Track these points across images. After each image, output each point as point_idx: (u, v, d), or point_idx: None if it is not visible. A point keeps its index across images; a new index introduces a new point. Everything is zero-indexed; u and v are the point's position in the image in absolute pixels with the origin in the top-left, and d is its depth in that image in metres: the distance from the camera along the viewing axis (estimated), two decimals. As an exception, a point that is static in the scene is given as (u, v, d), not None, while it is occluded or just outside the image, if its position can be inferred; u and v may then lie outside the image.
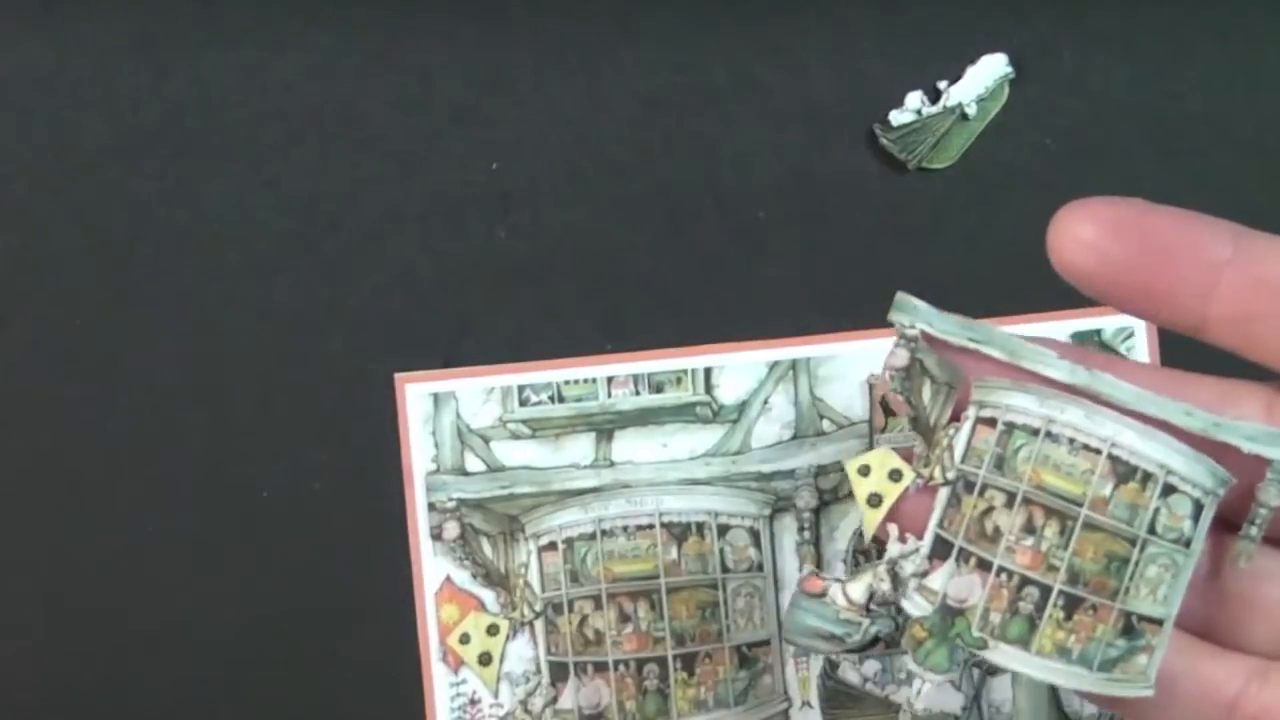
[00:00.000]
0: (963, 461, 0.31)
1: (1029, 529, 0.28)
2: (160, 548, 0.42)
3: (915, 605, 0.31)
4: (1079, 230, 0.30)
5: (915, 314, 0.31)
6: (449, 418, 0.42)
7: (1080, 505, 0.29)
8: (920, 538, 0.31)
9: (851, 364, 0.43)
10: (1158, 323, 0.30)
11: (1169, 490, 0.29)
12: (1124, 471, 0.29)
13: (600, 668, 0.40)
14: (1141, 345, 0.43)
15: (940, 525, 0.31)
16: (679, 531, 0.41)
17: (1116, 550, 0.30)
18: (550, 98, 0.43)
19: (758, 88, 0.43)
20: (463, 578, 0.42)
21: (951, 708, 0.43)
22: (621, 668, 0.40)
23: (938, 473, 0.32)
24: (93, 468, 0.42)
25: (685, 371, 0.43)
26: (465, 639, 0.42)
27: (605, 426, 0.42)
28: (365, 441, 0.42)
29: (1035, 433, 0.30)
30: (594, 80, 0.43)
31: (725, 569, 0.41)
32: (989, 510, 0.31)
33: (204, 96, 0.43)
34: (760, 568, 0.42)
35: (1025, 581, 0.30)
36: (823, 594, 0.32)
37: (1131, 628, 0.30)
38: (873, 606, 0.32)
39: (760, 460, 0.42)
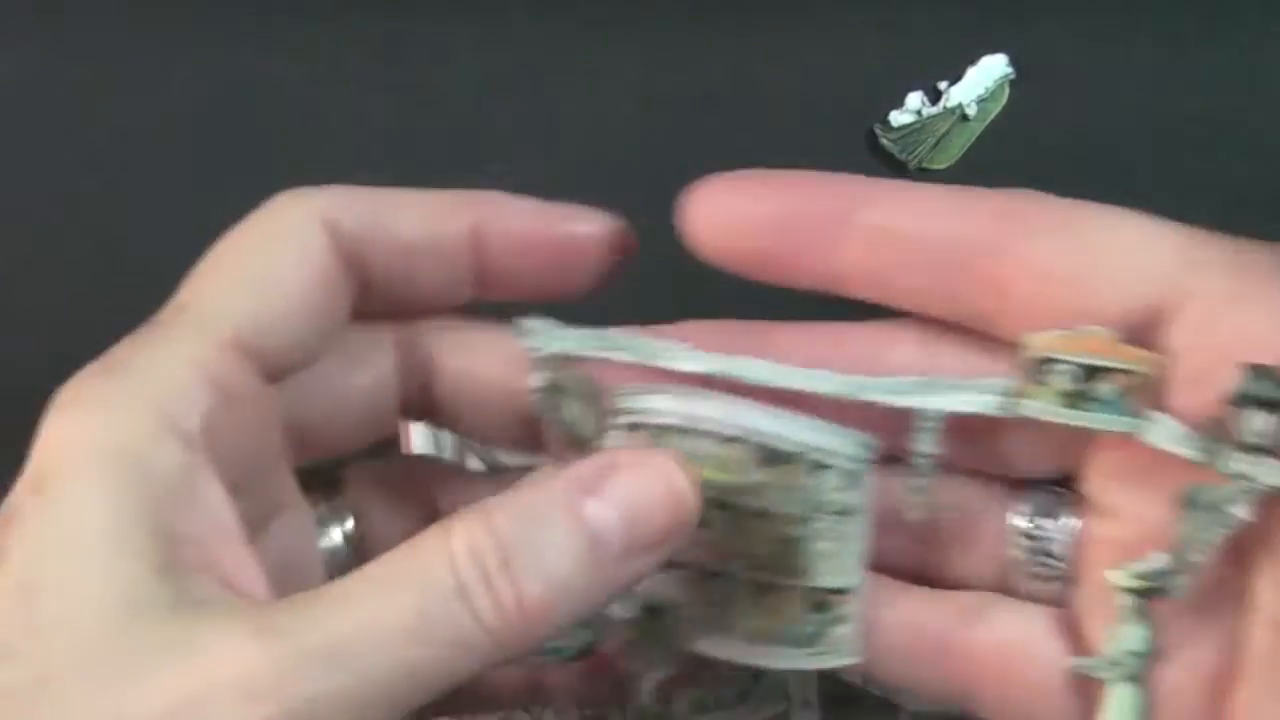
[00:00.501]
0: None
1: (702, 524, 0.28)
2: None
3: (622, 608, 0.31)
4: (712, 210, 0.32)
5: (540, 336, 0.32)
6: (449, 418, 0.42)
7: (740, 494, 0.30)
8: None
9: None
10: (798, 285, 0.31)
11: (817, 467, 0.30)
12: (770, 456, 0.30)
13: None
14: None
15: None
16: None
17: (785, 532, 0.30)
18: (550, 98, 0.43)
19: (758, 88, 0.43)
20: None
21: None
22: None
23: None
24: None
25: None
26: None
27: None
28: (365, 441, 0.42)
29: (682, 431, 0.30)
30: (594, 80, 0.43)
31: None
32: None
33: (204, 97, 0.43)
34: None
35: (711, 574, 0.31)
36: None
37: (821, 602, 0.31)
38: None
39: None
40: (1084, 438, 0.30)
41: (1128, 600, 0.30)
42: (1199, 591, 0.29)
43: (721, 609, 0.31)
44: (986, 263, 0.29)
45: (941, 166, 0.43)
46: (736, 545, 0.30)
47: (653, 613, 0.31)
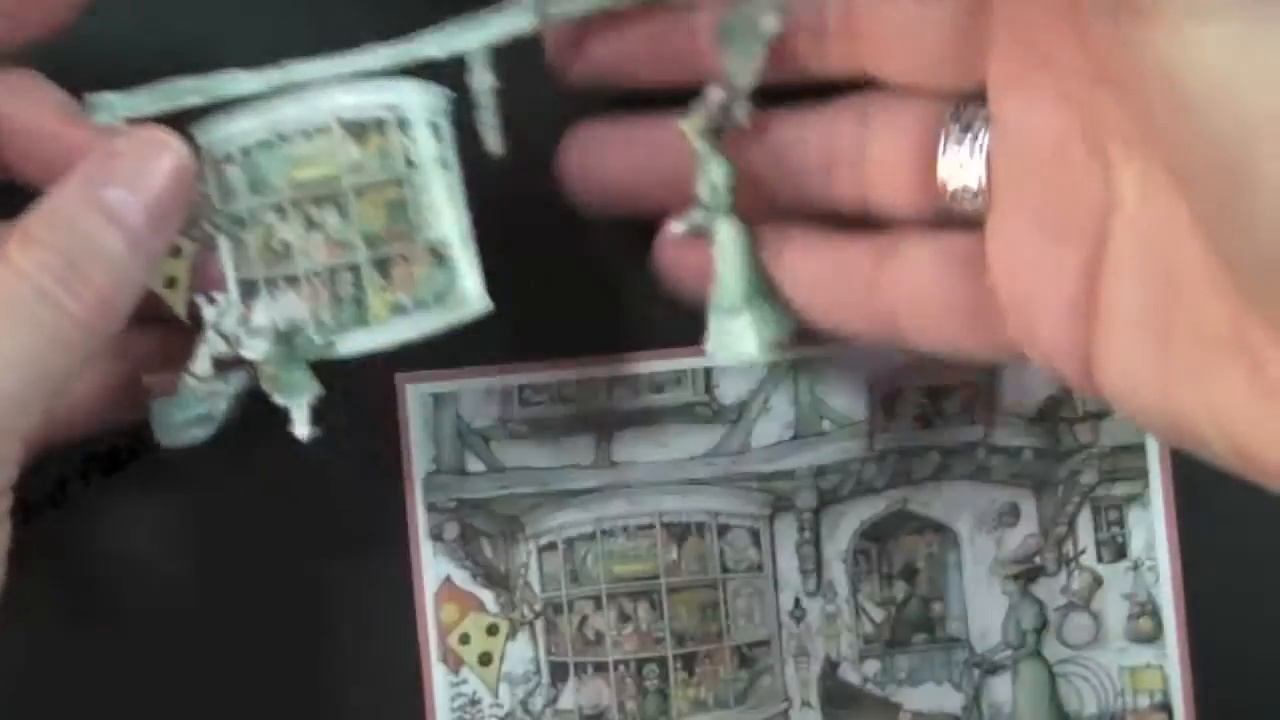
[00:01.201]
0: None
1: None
2: (159, 547, 0.42)
3: (254, 349, 0.33)
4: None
5: (110, 106, 0.34)
6: (449, 418, 0.42)
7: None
8: (224, 289, 0.34)
9: (851, 364, 0.43)
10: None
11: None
12: (356, 129, 0.32)
13: (600, 668, 0.41)
14: (1141, 345, 0.43)
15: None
16: (679, 531, 0.41)
17: (390, 197, 0.32)
18: (550, 96, 0.42)
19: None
20: (462, 578, 0.42)
21: (951, 708, 0.43)
22: (621, 668, 0.40)
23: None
24: (88, 468, 0.42)
25: (685, 371, 0.43)
26: (465, 639, 0.42)
27: (605, 426, 0.42)
28: (365, 441, 0.42)
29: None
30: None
31: (725, 569, 0.41)
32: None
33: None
34: (760, 568, 0.42)
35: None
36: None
37: (440, 256, 0.32)
38: (221, 372, 0.34)
39: (760, 460, 0.42)
40: (977, 48, 0.32)
41: (702, 143, 0.34)
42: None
43: (353, 304, 0.32)
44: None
45: (941, 166, 0.43)
46: (350, 233, 0.32)
47: (286, 337, 0.33)
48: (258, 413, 0.43)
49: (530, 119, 0.36)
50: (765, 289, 0.36)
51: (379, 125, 0.32)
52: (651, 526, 0.42)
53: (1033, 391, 0.43)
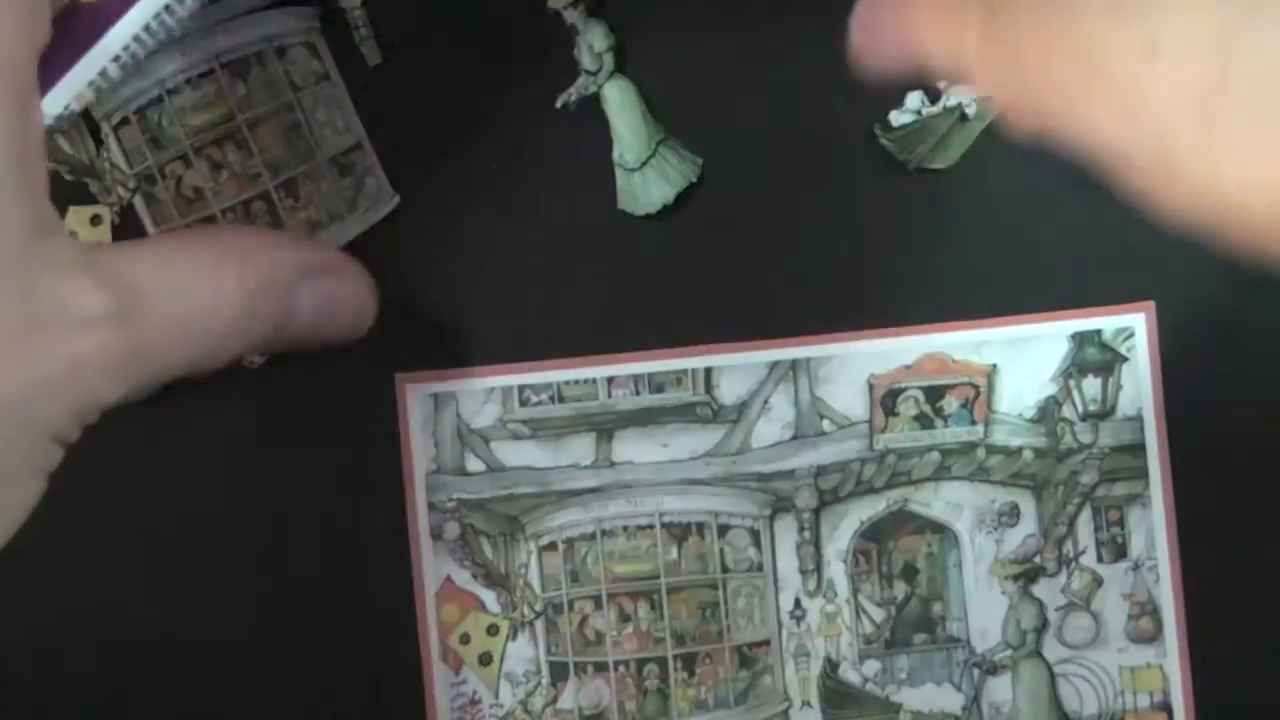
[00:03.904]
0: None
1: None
2: (158, 548, 0.42)
3: None
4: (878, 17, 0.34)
5: None
6: (449, 418, 0.42)
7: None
8: None
9: (851, 364, 0.43)
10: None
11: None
12: (241, 68, 0.34)
13: (600, 668, 0.41)
14: (1141, 345, 0.43)
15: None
16: (679, 532, 0.41)
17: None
18: (550, 97, 0.42)
19: (758, 87, 0.43)
20: (463, 578, 0.42)
21: (951, 708, 0.43)
22: (621, 668, 0.40)
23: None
24: (89, 468, 0.42)
25: (685, 371, 0.43)
26: (465, 639, 0.42)
27: (605, 426, 0.42)
28: (365, 441, 0.42)
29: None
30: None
31: (725, 569, 0.41)
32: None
33: (204, 96, 0.43)
34: (760, 568, 0.42)
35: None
36: None
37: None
38: None
39: (760, 460, 0.42)
40: None
41: (576, 12, 0.38)
42: None
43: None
44: None
45: (941, 166, 0.43)
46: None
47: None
48: (258, 414, 0.43)
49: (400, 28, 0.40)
50: (665, 137, 0.40)
51: (260, 58, 0.34)
52: (651, 526, 0.42)
53: (1033, 391, 0.43)
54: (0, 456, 0.29)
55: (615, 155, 0.40)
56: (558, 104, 0.40)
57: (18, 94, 0.29)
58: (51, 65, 0.31)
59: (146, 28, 0.31)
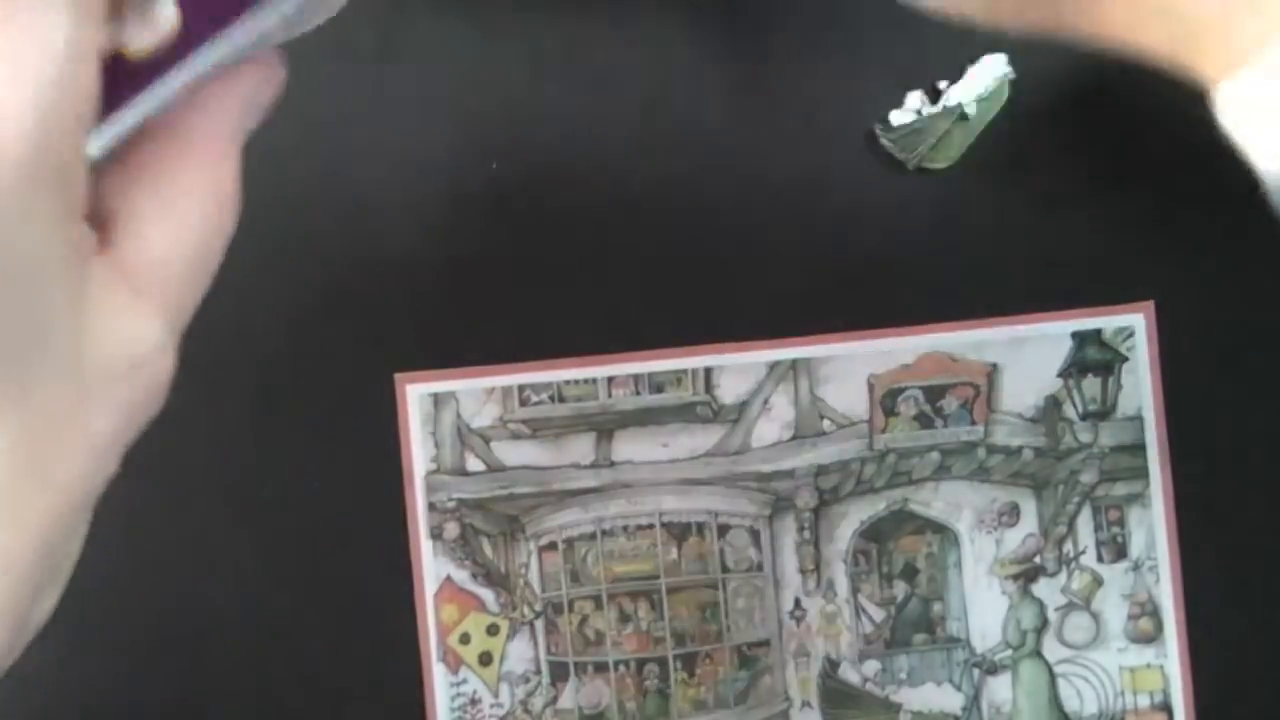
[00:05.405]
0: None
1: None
2: (160, 547, 0.42)
3: None
4: None
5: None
6: (449, 418, 0.42)
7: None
8: None
9: (851, 364, 0.43)
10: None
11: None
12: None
13: (600, 668, 0.41)
14: (1141, 345, 0.43)
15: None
16: (679, 531, 0.41)
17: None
18: (550, 98, 0.43)
19: (758, 87, 0.43)
20: (463, 578, 0.42)
21: (951, 708, 0.43)
22: (621, 668, 0.40)
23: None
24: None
25: (685, 371, 0.43)
26: (465, 639, 0.42)
27: (605, 426, 0.42)
28: (365, 441, 0.42)
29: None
30: (594, 80, 0.43)
31: (725, 569, 0.41)
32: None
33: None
34: (760, 568, 0.42)
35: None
36: None
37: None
38: None
39: (760, 460, 0.42)
40: None
41: None
42: None
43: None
44: None
45: (941, 166, 0.43)
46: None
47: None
48: (258, 414, 0.43)
49: None
50: None
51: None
52: (651, 526, 0.42)
53: (1033, 391, 0.43)
54: (63, 535, 0.24)
55: None
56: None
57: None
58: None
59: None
